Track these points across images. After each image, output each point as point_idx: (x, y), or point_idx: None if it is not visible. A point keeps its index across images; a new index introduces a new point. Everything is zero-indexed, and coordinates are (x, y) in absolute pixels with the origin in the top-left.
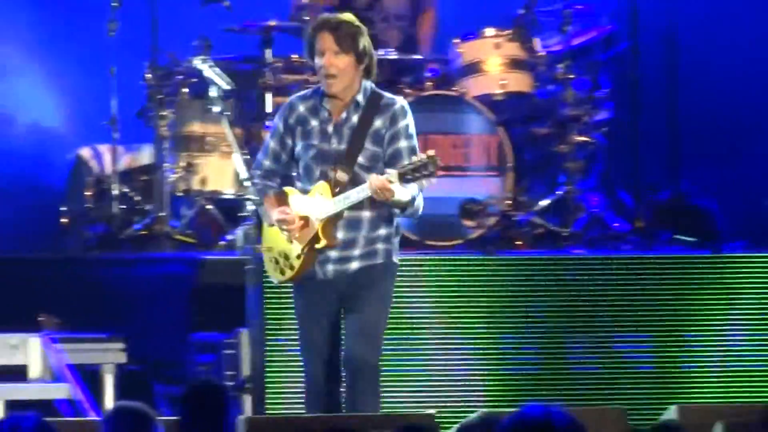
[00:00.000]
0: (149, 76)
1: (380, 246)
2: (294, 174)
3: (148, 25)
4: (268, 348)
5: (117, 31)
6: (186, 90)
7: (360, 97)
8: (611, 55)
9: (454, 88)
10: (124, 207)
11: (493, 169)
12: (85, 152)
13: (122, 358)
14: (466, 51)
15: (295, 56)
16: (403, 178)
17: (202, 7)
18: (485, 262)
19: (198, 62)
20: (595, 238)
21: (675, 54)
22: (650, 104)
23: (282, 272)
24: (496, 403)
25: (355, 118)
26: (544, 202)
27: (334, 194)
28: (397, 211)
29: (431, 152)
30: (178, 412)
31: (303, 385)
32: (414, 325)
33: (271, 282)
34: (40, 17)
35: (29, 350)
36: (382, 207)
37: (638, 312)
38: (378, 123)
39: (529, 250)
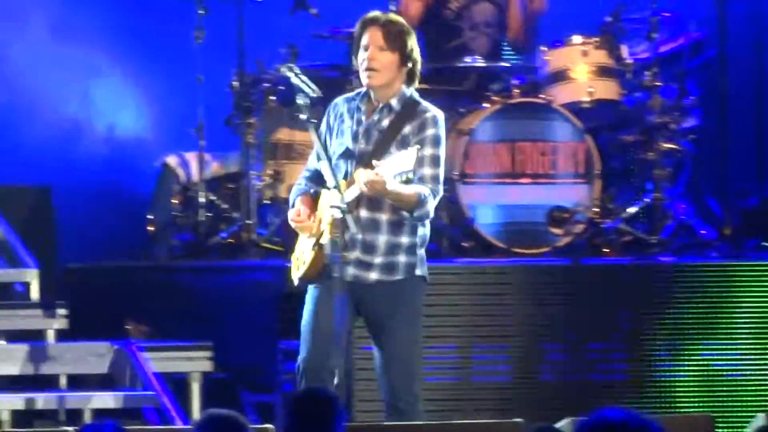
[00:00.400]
0: (236, 83)
1: (402, 258)
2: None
3: (235, 32)
4: (355, 355)
5: (204, 38)
6: (273, 97)
7: (394, 102)
8: (699, 62)
9: (541, 96)
10: (211, 215)
11: (581, 176)
12: (172, 160)
13: (209, 366)
14: (553, 59)
15: None
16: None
17: (290, 14)
18: (572, 270)
19: (285, 70)
20: (683, 245)
21: (763, 60)
22: (738, 111)
23: (298, 268)
24: (581, 410)
25: (385, 122)
26: (632, 210)
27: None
28: (406, 213)
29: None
30: (285, 419)
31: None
32: (501, 333)
33: None
34: (127, 25)
35: (117, 358)
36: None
37: (726, 319)
38: (407, 129)
39: (616, 258)
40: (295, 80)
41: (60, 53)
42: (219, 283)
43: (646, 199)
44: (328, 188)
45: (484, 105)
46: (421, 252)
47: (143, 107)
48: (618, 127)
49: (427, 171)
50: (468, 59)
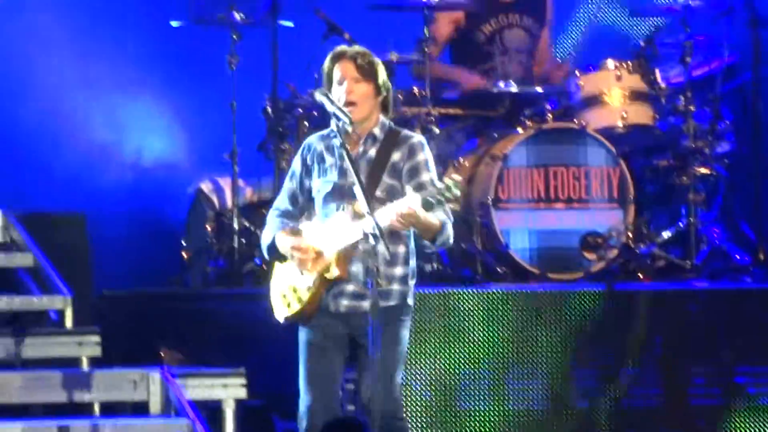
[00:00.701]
0: (270, 109)
1: (396, 287)
2: (311, 211)
3: (268, 58)
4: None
5: (237, 64)
6: (306, 123)
7: (377, 131)
8: (733, 86)
9: (574, 121)
10: (245, 241)
11: (615, 201)
12: (206, 186)
13: (242, 392)
14: (587, 83)
15: (416, 89)
16: (425, 203)
17: (323, 40)
18: (606, 295)
19: (318, 95)
20: (717, 270)
21: None
22: None
23: (288, 305)
24: None
25: (372, 152)
26: (666, 235)
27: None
28: (427, 242)
29: (456, 177)
30: None
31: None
32: (536, 358)
33: None
34: (161, 51)
35: (150, 385)
36: (399, 243)
37: (760, 344)
38: (396, 156)
39: (650, 283)
40: (328, 106)
41: (92, 79)
42: (253, 310)
43: (680, 224)
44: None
45: (518, 130)
46: (412, 283)
47: (177, 133)
48: (652, 151)
49: (426, 194)
50: (501, 84)
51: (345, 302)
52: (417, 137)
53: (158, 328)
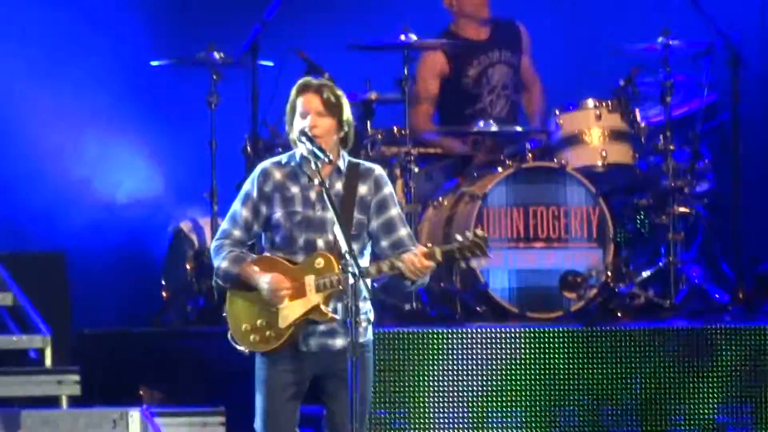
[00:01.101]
0: (249, 148)
1: (364, 324)
2: (264, 243)
3: (248, 97)
4: (371, 420)
5: (217, 103)
6: None
7: (341, 164)
8: (712, 125)
9: (554, 160)
10: None
11: (594, 240)
12: (186, 225)
13: (222, 431)
14: (567, 122)
15: (396, 128)
16: (446, 256)
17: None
18: (586, 334)
19: (294, 136)
20: (697, 309)
21: None
22: (751, 175)
23: (257, 341)
24: None
25: (339, 185)
26: (645, 274)
27: (341, 265)
28: (409, 283)
29: (480, 232)
30: None
31: None
32: (515, 397)
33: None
34: (140, 89)
35: (130, 424)
36: (365, 279)
37: (740, 383)
38: (363, 190)
39: (630, 322)
40: (306, 145)
41: (71, 117)
42: (232, 349)
43: (660, 263)
44: (280, 257)
45: (498, 169)
46: (372, 317)
47: (157, 172)
48: (631, 190)
49: (403, 231)
50: (481, 123)
51: (314, 341)
52: (378, 169)
53: (138, 366)
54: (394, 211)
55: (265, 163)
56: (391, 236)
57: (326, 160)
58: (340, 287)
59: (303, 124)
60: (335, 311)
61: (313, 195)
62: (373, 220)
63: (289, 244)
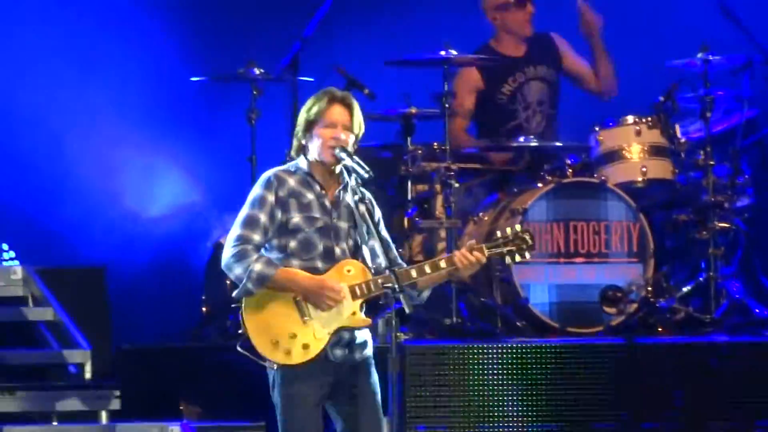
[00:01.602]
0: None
1: (368, 335)
2: (275, 250)
3: (288, 113)
4: None
5: (257, 119)
6: None
7: (347, 178)
8: (752, 140)
9: (594, 175)
10: None
11: (634, 255)
12: (225, 240)
13: None
14: (606, 138)
15: (435, 144)
16: (492, 253)
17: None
18: (626, 349)
19: (338, 150)
20: (737, 324)
21: None
22: None
23: (300, 353)
24: None
25: (347, 198)
26: (686, 289)
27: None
28: (420, 293)
29: (520, 227)
30: None
31: None
32: (555, 412)
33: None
34: (182, 105)
35: None
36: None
37: None
38: (362, 207)
39: (670, 337)
40: (347, 161)
41: (114, 131)
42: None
43: (700, 278)
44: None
45: (538, 184)
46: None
47: (197, 188)
48: (671, 206)
49: (396, 252)
50: (521, 139)
51: (339, 352)
52: (368, 192)
53: (177, 381)
54: (386, 233)
55: (274, 170)
56: (389, 254)
57: (367, 176)
58: (379, 292)
59: (328, 133)
60: (375, 325)
61: (327, 203)
62: (371, 237)
63: (307, 250)
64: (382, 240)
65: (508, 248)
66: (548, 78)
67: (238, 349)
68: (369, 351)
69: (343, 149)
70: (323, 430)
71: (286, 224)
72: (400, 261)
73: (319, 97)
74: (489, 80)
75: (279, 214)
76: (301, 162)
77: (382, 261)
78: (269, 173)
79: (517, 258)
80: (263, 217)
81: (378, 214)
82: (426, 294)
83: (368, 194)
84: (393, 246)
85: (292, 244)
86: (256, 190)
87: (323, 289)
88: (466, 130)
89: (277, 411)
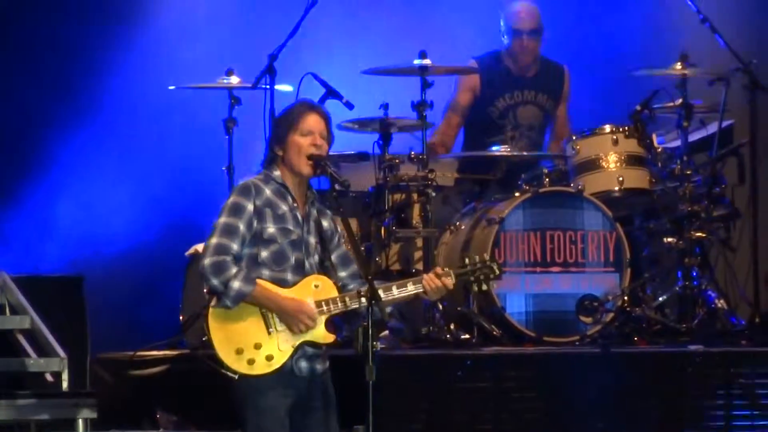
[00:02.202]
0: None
1: (325, 350)
2: (250, 255)
3: (265, 122)
4: None
5: (234, 128)
6: None
7: (311, 194)
8: (730, 150)
9: (571, 185)
10: None
11: (611, 264)
12: (202, 248)
13: None
14: (584, 147)
15: (413, 153)
16: (460, 279)
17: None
18: (602, 359)
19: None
20: (714, 333)
21: None
22: None
23: (262, 364)
24: None
25: (314, 211)
26: (662, 298)
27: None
28: (388, 310)
29: (488, 256)
30: None
31: None
32: (531, 422)
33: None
34: (157, 113)
35: None
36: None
37: (757, 408)
38: (325, 224)
39: (646, 347)
40: (330, 169)
41: (88, 138)
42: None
43: (677, 288)
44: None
45: (515, 194)
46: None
47: (173, 195)
48: (648, 215)
49: (356, 266)
50: (496, 147)
51: (304, 364)
52: (325, 208)
53: (154, 390)
54: (345, 248)
55: (251, 179)
56: (349, 268)
57: (344, 186)
58: (344, 308)
59: (304, 141)
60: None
61: (299, 215)
62: (334, 252)
63: (279, 262)
64: (342, 254)
65: (476, 275)
66: (546, 106)
67: (198, 354)
68: (327, 363)
69: (322, 158)
70: None
71: (261, 234)
72: (360, 274)
73: (294, 107)
74: (486, 87)
75: (255, 223)
76: (275, 172)
77: (343, 274)
78: (248, 181)
79: (483, 287)
80: (242, 226)
81: (339, 231)
82: (388, 310)
83: (329, 211)
84: (353, 261)
85: (264, 254)
86: (234, 198)
87: (301, 314)
88: (457, 128)
89: (246, 426)
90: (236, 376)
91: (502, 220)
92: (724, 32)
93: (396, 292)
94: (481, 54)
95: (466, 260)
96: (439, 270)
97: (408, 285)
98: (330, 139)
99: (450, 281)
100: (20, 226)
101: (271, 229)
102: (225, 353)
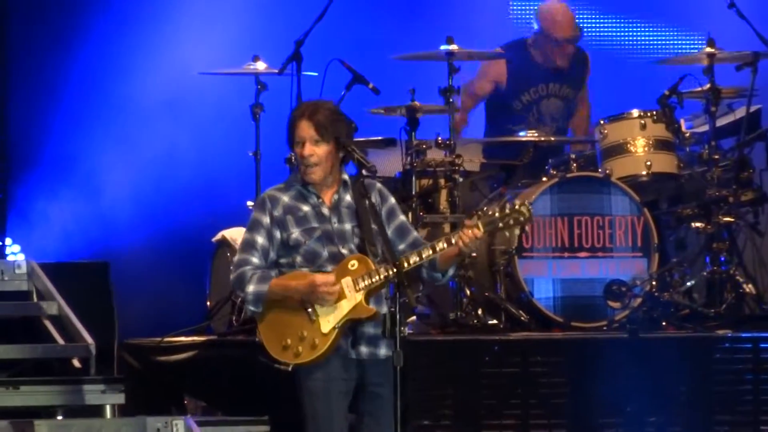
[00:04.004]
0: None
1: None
2: (288, 264)
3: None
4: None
5: (261, 113)
6: None
7: (346, 177)
8: (758, 134)
9: (599, 169)
10: None
11: (639, 249)
12: (229, 234)
13: None
14: (611, 132)
15: (440, 138)
16: (489, 226)
17: (347, 90)
18: (630, 344)
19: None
20: (742, 318)
21: None
22: None
23: (308, 350)
24: None
25: (347, 197)
26: (690, 283)
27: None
28: (441, 273)
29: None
30: None
31: None
32: (559, 407)
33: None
34: (186, 99)
35: None
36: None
37: None
38: (367, 202)
39: (674, 332)
40: (355, 155)
41: (116, 124)
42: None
43: (704, 273)
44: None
45: (542, 179)
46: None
47: (202, 182)
48: (676, 200)
49: (416, 233)
50: (522, 133)
51: (363, 348)
52: (378, 183)
53: (182, 376)
54: (403, 217)
55: (268, 191)
56: (407, 238)
57: (371, 172)
58: (381, 281)
59: (299, 151)
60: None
61: (326, 210)
62: (386, 228)
63: (312, 260)
64: (397, 227)
65: (505, 221)
66: (569, 97)
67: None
68: (391, 348)
69: (346, 143)
70: (346, 425)
71: (287, 241)
72: (422, 242)
73: (290, 116)
74: (512, 80)
75: (278, 234)
76: (295, 176)
77: (401, 247)
78: (264, 195)
79: (516, 231)
80: (260, 239)
81: (391, 202)
82: (451, 272)
83: (378, 186)
84: (412, 228)
85: (298, 258)
86: (252, 215)
87: (316, 286)
88: (468, 111)
89: (302, 409)
90: (289, 367)
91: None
92: (751, 17)
93: (427, 253)
94: (507, 42)
95: (495, 208)
96: (468, 221)
97: (438, 244)
98: (328, 133)
99: (478, 231)
100: (49, 213)
101: (294, 234)
102: (273, 349)
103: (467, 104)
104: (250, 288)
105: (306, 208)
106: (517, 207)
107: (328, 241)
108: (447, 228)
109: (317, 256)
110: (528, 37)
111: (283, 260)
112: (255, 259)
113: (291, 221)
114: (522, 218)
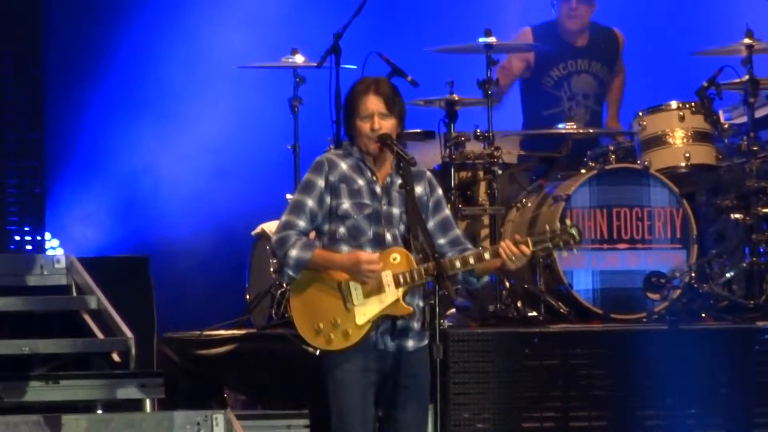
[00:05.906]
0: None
1: (417, 326)
2: (329, 232)
3: (331, 101)
4: (452, 424)
5: (300, 107)
6: None
7: (396, 161)
8: None
9: (637, 161)
10: None
11: (678, 241)
12: (269, 228)
13: None
14: (650, 123)
15: (479, 130)
16: (538, 246)
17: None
18: (670, 335)
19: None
20: None
21: None
22: None
23: (340, 339)
24: None
25: (398, 182)
26: (729, 275)
27: (417, 261)
28: (475, 280)
29: (570, 222)
30: None
31: None
32: (598, 399)
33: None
34: (224, 93)
35: (214, 427)
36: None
37: None
38: (419, 189)
39: (714, 323)
40: (396, 147)
41: (154, 118)
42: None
43: (744, 264)
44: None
45: (581, 171)
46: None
47: (240, 175)
48: (715, 191)
49: (458, 230)
50: (561, 125)
51: (393, 341)
52: (427, 172)
53: (222, 369)
54: (448, 212)
55: (327, 154)
56: (449, 234)
57: (411, 164)
58: (422, 283)
59: (364, 125)
60: (417, 312)
61: (378, 189)
62: (430, 219)
63: (356, 236)
64: (441, 220)
65: (554, 242)
66: (600, 74)
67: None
68: (423, 341)
69: (387, 137)
70: (373, 416)
71: (336, 210)
72: (462, 240)
73: (354, 88)
74: (540, 57)
75: (328, 200)
76: (354, 149)
77: (442, 241)
78: (321, 157)
79: (564, 253)
80: (310, 202)
81: (438, 193)
82: (486, 279)
83: (428, 175)
84: (455, 225)
85: (342, 229)
86: (307, 175)
87: (360, 264)
88: (507, 90)
89: (328, 398)
90: (317, 351)
91: (569, 197)
92: None
93: (472, 261)
94: (538, 23)
95: (547, 227)
96: (517, 236)
97: (485, 254)
98: (395, 111)
99: (527, 249)
100: (88, 208)
101: (345, 204)
102: (305, 331)
103: (502, 82)
104: (293, 252)
105: (361, 182)
106: (568, 229)
107: (376, 222)
108: (486, 220)
109: (362, 233)
110: (555, 18)
111: (325, 227)
112: (302, 222)
113: (344, 191)
114: (572, 241)
